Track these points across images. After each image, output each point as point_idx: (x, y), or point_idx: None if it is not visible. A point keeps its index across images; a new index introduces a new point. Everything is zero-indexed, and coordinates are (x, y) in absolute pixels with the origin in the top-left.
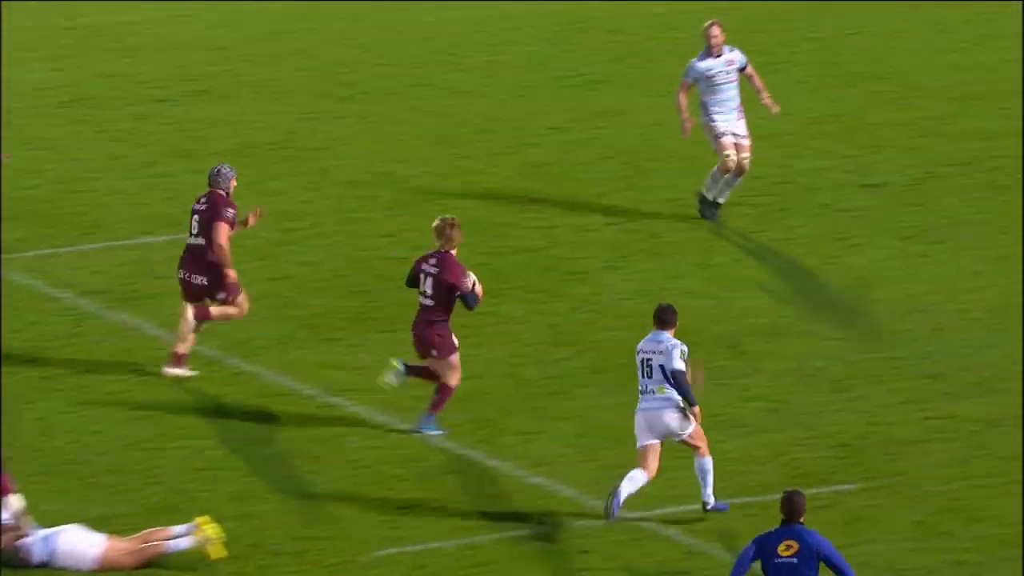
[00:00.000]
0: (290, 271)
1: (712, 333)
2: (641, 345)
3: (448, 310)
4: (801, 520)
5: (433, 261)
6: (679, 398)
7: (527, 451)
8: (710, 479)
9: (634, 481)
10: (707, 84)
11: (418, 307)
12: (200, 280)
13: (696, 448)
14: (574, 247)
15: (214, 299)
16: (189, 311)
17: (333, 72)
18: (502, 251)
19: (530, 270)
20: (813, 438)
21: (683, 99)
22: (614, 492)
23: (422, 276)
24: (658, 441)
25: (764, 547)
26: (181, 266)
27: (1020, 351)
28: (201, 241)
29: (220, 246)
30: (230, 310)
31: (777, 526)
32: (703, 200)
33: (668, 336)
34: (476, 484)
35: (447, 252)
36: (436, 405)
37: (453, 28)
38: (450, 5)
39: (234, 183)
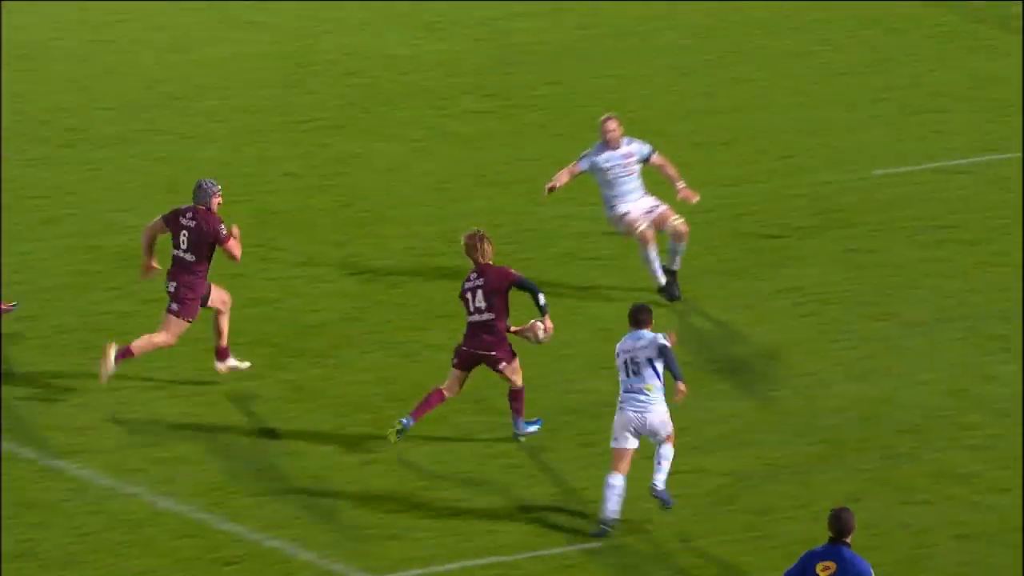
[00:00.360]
0: (8, 327)
1: None
2: (621, 345)
3: (506, 315)
4: (848, 540)
5: (474, 276)
6: (664, 401)
7: (263, 513)
8: (666, 466)
9: (614, 489)
10: (604, 177)
11: (467, 328)
12: (171, 286)
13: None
14: (311, 299)
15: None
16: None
17: (52, 117)
18: (236, 304)
19: (266, 323)
20: (559, 495)
21: (564, 178)
22: (603, 521)
23: (468, 295)
24: (636, 445)
25: (806, 566)
26: (169, 278)
27: (762, 404)
28: (191, 257)
29: (237, 258)
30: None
31: (825, 543)
32: (659, 289)
33: (647, 332)
34: (209, 549)
35: (486, 264)
36: (520, 409)
37: (180, 71)
38: (177, 47)
39: (217, 200)
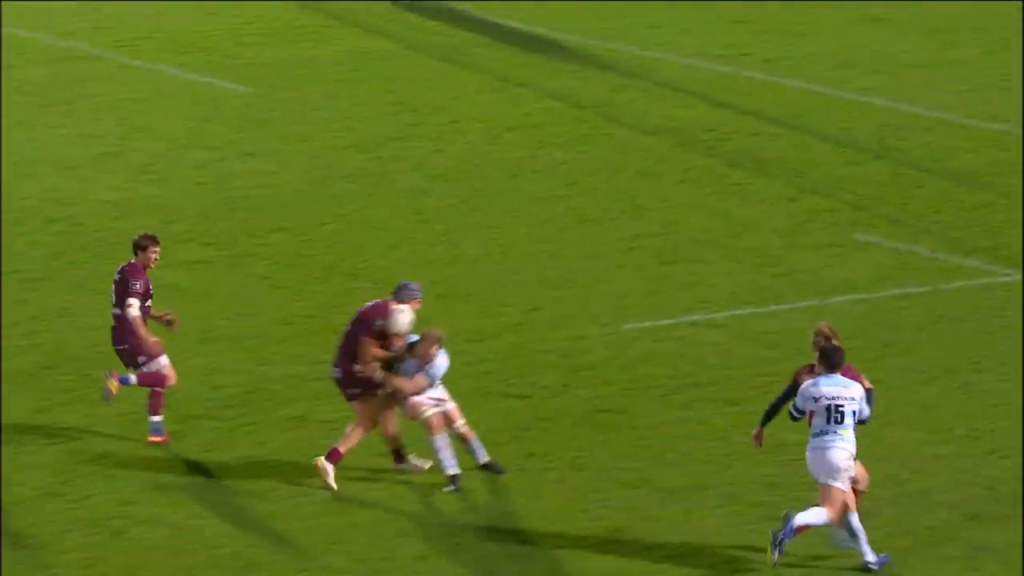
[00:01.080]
0: None
1: (175, 565)
2: (824, 390)
3: None
4: None
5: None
6: (853, 444)
7: None
8: (862, 537)
9: (817, 516)
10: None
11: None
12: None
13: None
14: (8, 472)
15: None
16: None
17: None
18: None
19: None
20: None
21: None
22: (787, 518)
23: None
24: (836, 485)
25: None
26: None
27: None
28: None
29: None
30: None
31: None
32: (449, 479)
33: (849, 380)
34: None
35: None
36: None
37: None
38: None
39: (415, 304)
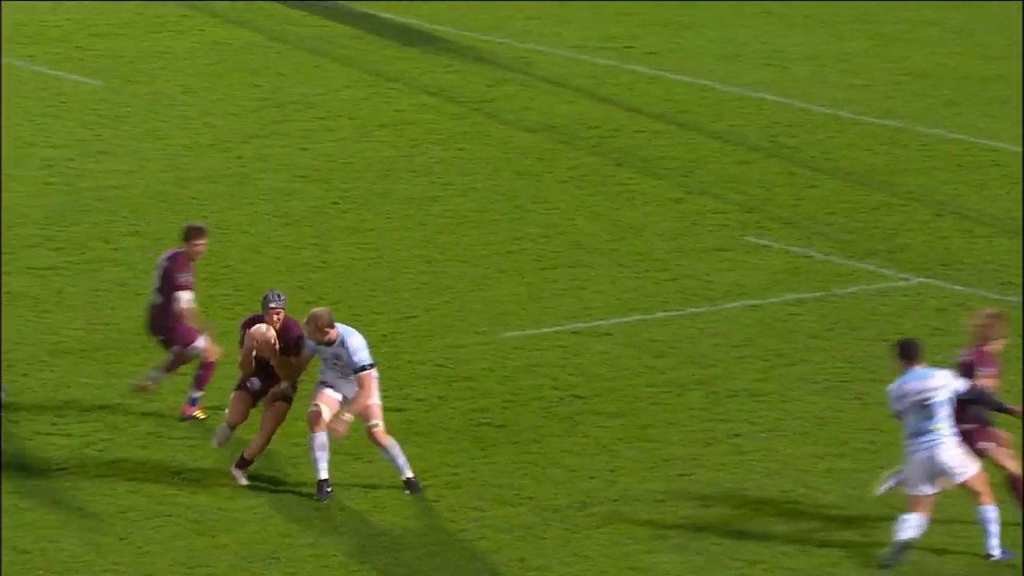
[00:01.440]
0: None
1: None
2: (907, 387)
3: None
4: None
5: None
6: (954, 438)
7: None
8: (994, 528)
9: (906, 522)
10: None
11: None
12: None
13: (976, 495)
14: None
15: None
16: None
17: None
18: None
19: None
20: None
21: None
22: (896, 545)
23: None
24: (933, 492)
25: None
26: None
27: None
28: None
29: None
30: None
31: None
32: (317, 485)
33: (931, 370)
34: None
35: (982, 347)
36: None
37: None
38: None
39: (274, 315)
